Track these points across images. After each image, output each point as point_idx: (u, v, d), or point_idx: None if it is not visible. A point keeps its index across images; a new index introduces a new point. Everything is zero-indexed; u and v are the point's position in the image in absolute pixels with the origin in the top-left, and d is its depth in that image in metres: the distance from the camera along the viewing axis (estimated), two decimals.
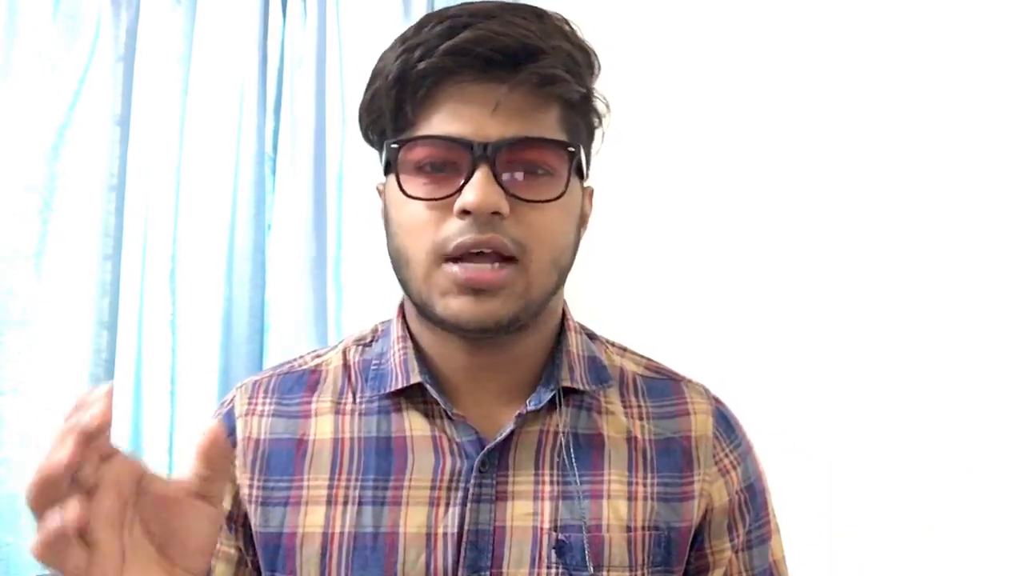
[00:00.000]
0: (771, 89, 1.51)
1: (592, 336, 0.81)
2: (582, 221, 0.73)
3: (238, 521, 0.72)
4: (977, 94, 1.21)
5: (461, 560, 0.68)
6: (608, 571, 0.69)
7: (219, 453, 0.49)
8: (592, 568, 0.69)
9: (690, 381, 0.81)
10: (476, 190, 0.62)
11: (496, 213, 0.63)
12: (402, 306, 0.77)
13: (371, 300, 1.86)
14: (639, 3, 1.74)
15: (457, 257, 0.64)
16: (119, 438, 1.70)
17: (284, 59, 1.86)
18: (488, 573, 0.68)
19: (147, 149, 1.76)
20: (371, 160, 1.89)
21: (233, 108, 1.81)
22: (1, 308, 1.65)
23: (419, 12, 1.90)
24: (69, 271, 1.70)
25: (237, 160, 1.80)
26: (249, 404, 0.75)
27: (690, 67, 1.65)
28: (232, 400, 0.76)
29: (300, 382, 0.76)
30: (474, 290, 0.64)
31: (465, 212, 0.63)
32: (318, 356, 0.80)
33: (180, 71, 1.79)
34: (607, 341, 0.82)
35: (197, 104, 1.80)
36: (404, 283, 0.69)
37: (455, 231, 0.64)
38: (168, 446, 1.74)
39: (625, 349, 0.83)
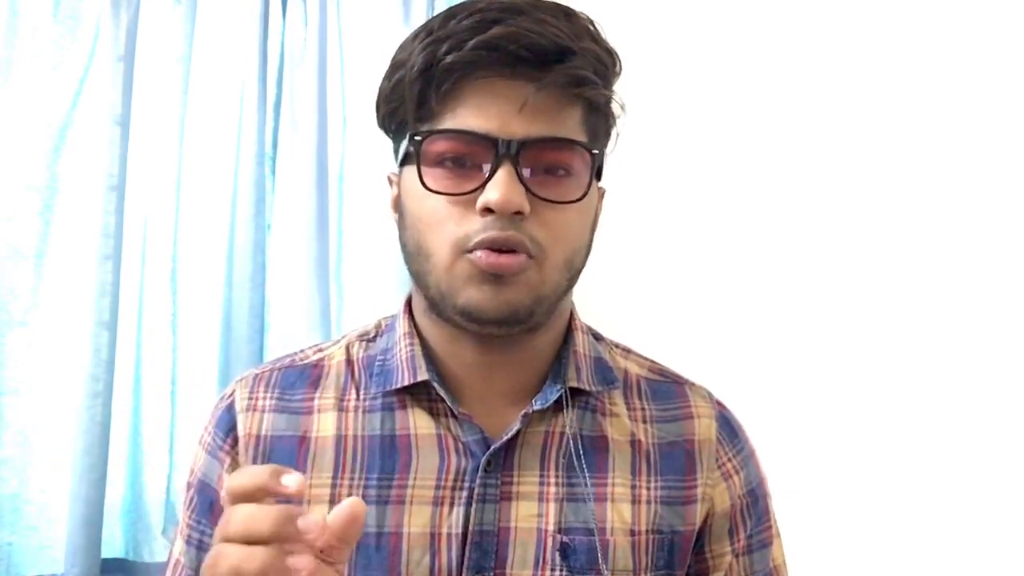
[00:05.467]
0: (776, 92, 1.51)
1: (598, 337, 0.80)
2: (595, 222, 0.73)
3: None
4: (992, 99, 1.21)
5: (465, 561, 0.67)
6: (612, 574, 0.69)
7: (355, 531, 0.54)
8: (596, 571, 0.68)
9: (693, 384, 0.81)
10: (500, 188, 0.62)
11: (518, 212, 0.62)
12: (408, 301, 0.76)
13: (371, 300, 1.86)
14: (644, 3, 1.74)
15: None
16: (119, 438, 1.71)
17: (284, 59, 1.86)
18: (492, 574, 0.67)
19: (147, 149, 1.76)
20: (372, 159, 1.90)
21: (233, 108, 1.81)
22: (1, 308, 1.64)
23: (419, 12, 1.91)
24: (69, 271, 1.69)
25: (237, 160, 1.80)
26: (250, 399, 0.73)
27: (698, 67, 1.65)
28: (232, 394, 0.75)
29: (302, 377, 0.75)
30: (495, 276, 0.63)
31: (487, 210, 0.62)
32: (320, 350, 0.78)
33: (180, 71, 1.79)
34: (612, 342, 0.81)
35: (197, 104, 1.80)
36: (420, 275, 0.68)
37: (477, 227, 0.63)
38: (168, 446, 1.74)
39: (629, 351, 0.82)
